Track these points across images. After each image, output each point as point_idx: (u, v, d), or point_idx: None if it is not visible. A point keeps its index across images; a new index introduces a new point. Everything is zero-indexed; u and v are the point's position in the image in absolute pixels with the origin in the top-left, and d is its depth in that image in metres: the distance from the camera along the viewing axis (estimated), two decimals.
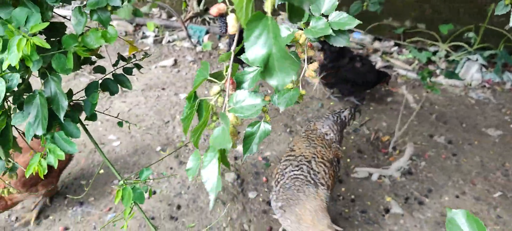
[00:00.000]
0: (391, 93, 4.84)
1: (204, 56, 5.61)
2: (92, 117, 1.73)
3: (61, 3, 1.51)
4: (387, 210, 3.23)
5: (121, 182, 1.62)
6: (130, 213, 1.68)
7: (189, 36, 5.77)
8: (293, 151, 2.75)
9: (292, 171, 2.55)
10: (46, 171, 1.47)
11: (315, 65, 1.23)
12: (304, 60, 1.19)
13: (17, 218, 3.01)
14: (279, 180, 2.56)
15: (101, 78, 1.80)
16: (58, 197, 3.19)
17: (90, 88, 1.67)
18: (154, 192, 3.23)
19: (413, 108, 4.49)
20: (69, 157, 3.06)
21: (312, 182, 2.48)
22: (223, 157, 0.92)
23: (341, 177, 3.52)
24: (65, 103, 1.44)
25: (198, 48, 5.71)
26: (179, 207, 3.14)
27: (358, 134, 4.10)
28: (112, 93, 1.75)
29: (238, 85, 1.09)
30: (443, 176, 3.62)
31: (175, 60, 5.41)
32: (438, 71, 5.28)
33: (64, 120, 1.48)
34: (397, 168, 3.56)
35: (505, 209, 3.32)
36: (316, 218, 2.28)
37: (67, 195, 3.17)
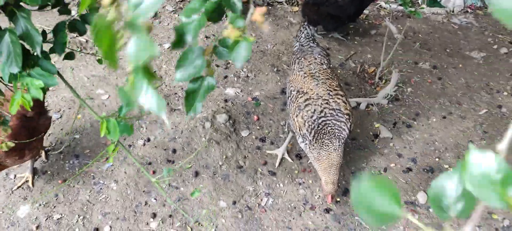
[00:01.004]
0: (375, 26, 4.85)
1: (184, 4, 5.51)
2: (70, 56, 1.74)
3: None
4: (376, 136, 3.33)
5: (104, 114, 1.61)
6: (113, 149, 1.68)
7: None
8: (307, 93, 2.80)
9: (320, 117, 2.69)
10: (32, 104, 1.49)
11: (263, 9, 1.02)
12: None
13: (15, 176, 3.04)
14: (312, 127, 2.68)
15: (68, 19, 1.76)
16: (54, 152, 3.22)
17: (58, 29, 1.64)
18: (149, 139, 3.27)
19: (397, 39, 4.52)
20: (49, 120, 2.98)
21: (339, 123, 2.68)
22: (146, 70, 0.79)
23: None
24: (39, 38, 1.42)
25: None
26: (174, 151, 3.19)
27: (344, 67, 4.14)
28: (80, 34, 1.73)
29: (180, 38, 0.96)
30: (429, 100, 3.71)
31: (156, 12, 5.32)
32: (420, 1, 5.27)
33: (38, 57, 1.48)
34: (384, 95, 3.63)
35: (490, 125, 3.44)
36: (329, 169, 2.65)
37: (61, 151, 3.19)
